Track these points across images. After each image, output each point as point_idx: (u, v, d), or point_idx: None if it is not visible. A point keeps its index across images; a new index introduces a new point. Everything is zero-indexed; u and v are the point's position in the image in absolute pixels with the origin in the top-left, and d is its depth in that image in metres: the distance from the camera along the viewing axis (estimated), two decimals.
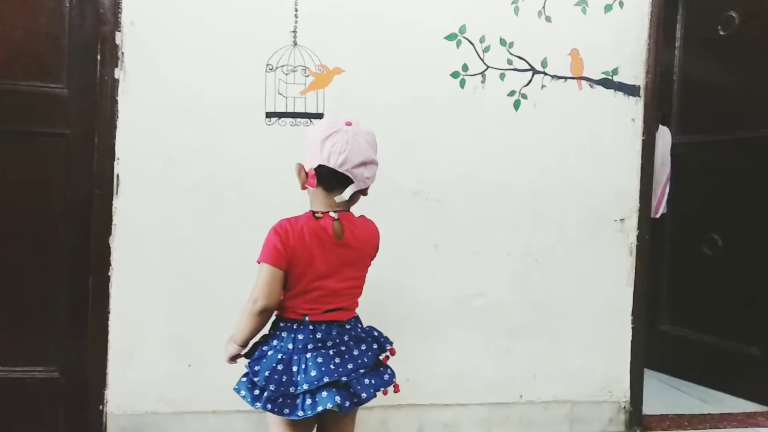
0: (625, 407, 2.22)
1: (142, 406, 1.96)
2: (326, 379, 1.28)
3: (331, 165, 1.30)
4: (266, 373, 1.29)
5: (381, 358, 1.45)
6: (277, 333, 1.36)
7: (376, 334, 1.45)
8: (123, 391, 1.95)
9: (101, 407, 1.94)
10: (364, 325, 1.46)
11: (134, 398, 1.96)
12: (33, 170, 1.95)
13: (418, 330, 2.08)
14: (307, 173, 1.35)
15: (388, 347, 1.45)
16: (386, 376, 1.42)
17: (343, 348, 1.35)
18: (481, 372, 2.13)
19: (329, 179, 1.33)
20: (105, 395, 1.95)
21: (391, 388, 1.43)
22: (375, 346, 1.42)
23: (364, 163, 1.33)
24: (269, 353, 1.33)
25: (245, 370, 1.36)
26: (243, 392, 1.34)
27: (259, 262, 1.33)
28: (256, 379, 1.31)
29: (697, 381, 2.70)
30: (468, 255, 2.11)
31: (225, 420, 1.98)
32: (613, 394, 2.21)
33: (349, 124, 1.33)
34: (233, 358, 1.42)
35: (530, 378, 2.16)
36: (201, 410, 1.98)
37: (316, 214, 1.35)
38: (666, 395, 2.58)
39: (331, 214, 1.35)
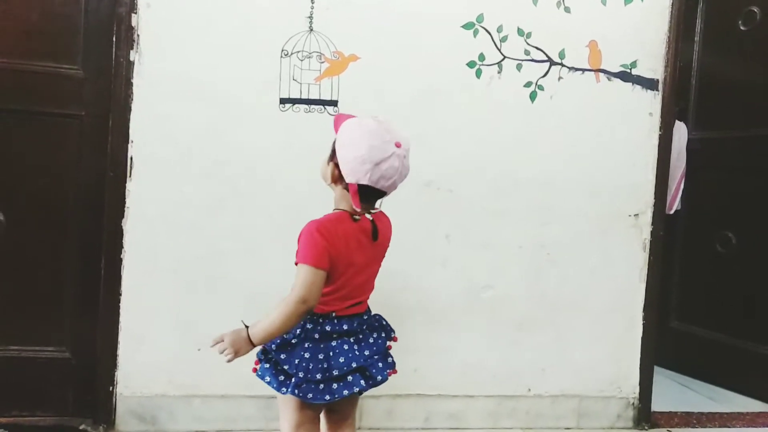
0: (633, 403, 2.21)
1: (152, 389, 1.97)
2: (354, 365, 1.34)
3: (378, 187, 1.31)
4: (295, 361, 1.32)
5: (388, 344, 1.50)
6: (301, 323, 1.35)
7: (384, 322, 1.50)
8: (133, 373, 1.96)
9: (111, 388, 1.96)
10: (372, 313, 1.50)
11: (144, 380, 1.97)
12: (47, 151, 1.96)
13: (427, 320, 2.08)
14: (347, 185, 1.32)
15: (393, 335, 1.51)
16: (390, 359, 1.47)
17: (361, 336, 1.40)
18: (490, 364, 2.12)
19: (368, 194, 1.33)
20: (115, 376, 1.96)
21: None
22: (383, 333, 1.48)
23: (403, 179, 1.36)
24: (293, 341, 1.35)
25: (255, 358, 1.39)
26: (268, 378, 1.36)
27: (302, 263, 1.29)
28: (285, 367, 1.33)
29: (707, 379, 2.68)
30: (479, 247, 2.09)
31: (233, 404, 1.99)
32: (621, 389, 2.20)
33: (398, 145, 1.30)
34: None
35: (539, 371, 2.15)
36: (209, 394, 1.99)
37: (355, 216, 1.35)
38: (675, 392, 2.57)
39: (367, 215, 1.36)
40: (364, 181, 1.29)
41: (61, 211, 1.97)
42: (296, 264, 1.31)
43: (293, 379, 1.31)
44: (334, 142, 1.35)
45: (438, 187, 2.06)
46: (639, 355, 2.20)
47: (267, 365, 1.37)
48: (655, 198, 2.17)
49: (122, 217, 1.93)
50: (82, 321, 1.98)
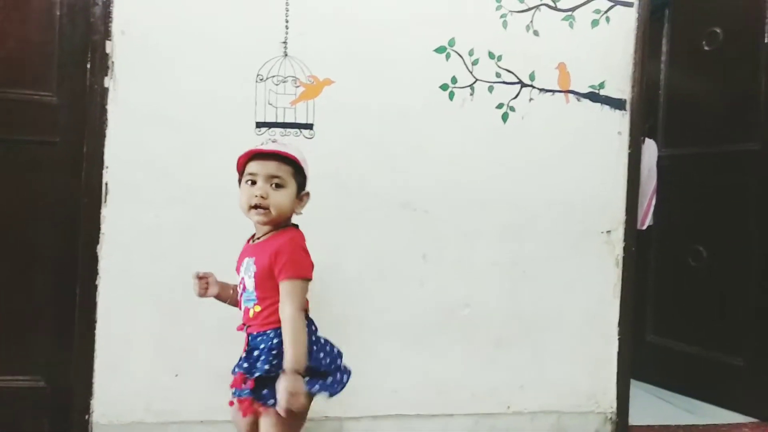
0: (611, 418, 2.23)
1: (129, 416, 1.95)
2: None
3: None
4: (328, 360, 1.45)
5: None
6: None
7: None
8: (109, 400, 1.94)
9: (87, 417, 1.93)
10: None
11: (120, 408, 1.94)
12: (21, 178, 1.95)
13: (405, 340, 2.09)
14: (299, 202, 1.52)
15: None
16: None
17: None
18: (468, 382, 2.13)
19: None
20: (91, 405, 1.93)
21: None
22: None
23: None
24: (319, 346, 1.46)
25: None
26: (317, 387, 1.41)
27: (297, 277, 1.40)
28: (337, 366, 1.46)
29: (683, 392, 2.71)
30: (455, 265, 2.12)
31: (211, 430, 1.97)
32: (599, 404, 2.22)
33: None
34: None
35: (517, 388, 2.16)
36: (188, 420, 1.97)
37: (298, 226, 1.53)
38: (652, 406, 2.59)
39: None
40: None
41: (35, 238, 1.96)
42: (286, 278, 1.39)
43: (329, 379, 1.42)
44: (297, 174, 1.49)
45: (414, 208, 2.08)
46: (615, 370, 2.23)
47: (318, 384, 1.41)
48: (626, 215, 2.21)
49: (97, 243, 1.92)
50: (56, 349, 1.96)
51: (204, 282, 1.60)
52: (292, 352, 1.34)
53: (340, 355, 1.49)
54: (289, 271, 1.39)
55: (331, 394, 1.42)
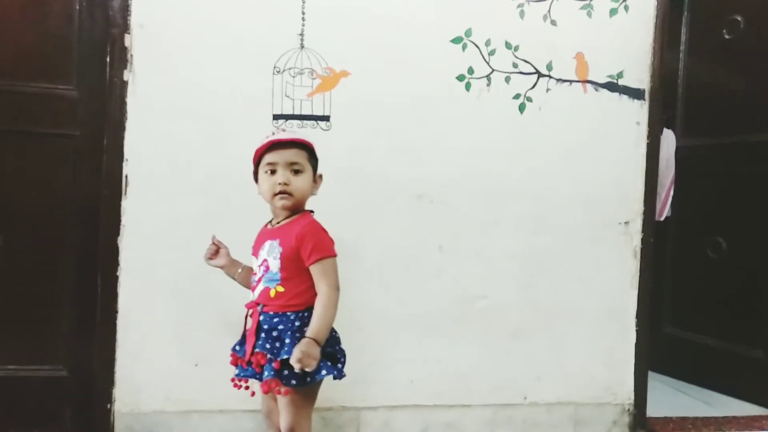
0: (629, 409, 2.23)
1: (150, 405, 1.98)
2: None
3: None
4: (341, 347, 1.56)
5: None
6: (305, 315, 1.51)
7: None
8: (130, 389, 1.97)
9: (109, 405, 1.96)
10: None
11: (142, 397, 1.98)
12: (42, 171, 1.98)
13: (422, 331, 2.09)
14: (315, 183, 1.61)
15: None
16: None
17: None
18: (485, 373, 2.14)
19: None
20: (113, 394, 1.97)
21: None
22: None
23: None
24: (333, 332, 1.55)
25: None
26: (324, 371, 1.47)
27: (327, 256, 1.49)
28: (339, 356, 1.53)
29: (702, 384, 2.69)
30: (472, 257, 2.12)
31: (231, 419, 2.00)
32: (617, 396, 2.22)
33: None
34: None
35: (534, 379, 2.16)
36: (208, 409, 2.00)
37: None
38: (670, 398, 2.58)
39: None
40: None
41: (56, 230, 1.98)
42: (316, 260, 1.47)
43: (339, 364, 1.52)
44: (311, 158, 1.58)
45: (430, 199, 2.08)
46: (633, 361, 2.22)
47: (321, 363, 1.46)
48: (644, 205, 2.20)
49: (118, 234, 1.94)
50: (78, 339, 1.99)
51: (214, 248, 1.68)
52: (319, 324, 1.43)
53: (339, 338, 1.57)
54: (318, 253, 1.47)
55: (337, 377, 1.50)
